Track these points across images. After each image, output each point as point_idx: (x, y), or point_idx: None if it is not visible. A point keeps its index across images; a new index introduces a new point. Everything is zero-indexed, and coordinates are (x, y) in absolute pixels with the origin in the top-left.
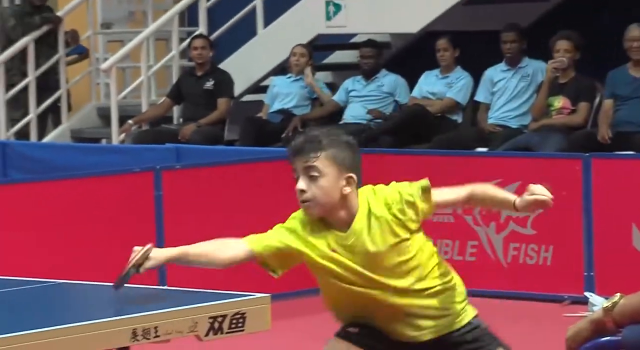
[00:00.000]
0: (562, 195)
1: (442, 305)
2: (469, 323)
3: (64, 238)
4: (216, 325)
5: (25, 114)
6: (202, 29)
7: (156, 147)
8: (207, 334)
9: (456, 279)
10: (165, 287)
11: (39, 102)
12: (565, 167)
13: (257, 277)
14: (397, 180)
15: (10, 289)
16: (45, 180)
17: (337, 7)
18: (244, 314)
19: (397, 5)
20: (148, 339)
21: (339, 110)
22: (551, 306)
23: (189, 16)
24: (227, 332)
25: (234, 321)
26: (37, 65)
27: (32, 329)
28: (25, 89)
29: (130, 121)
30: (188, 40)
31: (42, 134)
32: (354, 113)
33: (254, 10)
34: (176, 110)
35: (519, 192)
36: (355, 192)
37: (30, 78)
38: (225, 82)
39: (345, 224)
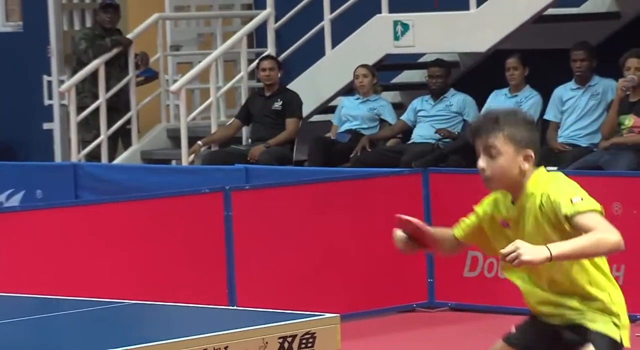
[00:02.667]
0: (633, 214)
1: (579, 301)
2: (592, 331)
3: (135, 258)
4: (286, 345)
5: (97, 135)
6: (270, 50)
7: (225, 168)
8: None
9: (609, 297)
10: (235, 307)
11: (110, 123)
12: (636, 186)
13: (326, 296)
14: (465, 199)
15: (84, 310)
16: (115, 202)
17: (405, 27)
18: (313, 333)
19: (465, 24)
20: None
21: (408, 130)
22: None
23: (257, 37)
24: None
25: (304, 341)
26: (108, 88)
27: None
28: (96, 111)
29: (199, 142)
30: (256, 61)
31: (112, 155)
32: (423, 133)
33: (322, 30)
34: (245, 131)
35: None
36: (532, 168)
37: (101, 100)
38: (293, 102)
39: (518, 198)
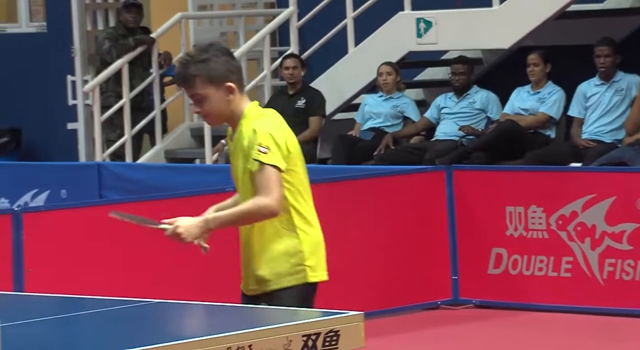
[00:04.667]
0: None
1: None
2: (279, 290)
3: (160, 258)
4: (310, 343)
5: (121, 135)
6: (293, 48)
7: None
8: None
9: (298, 238)
10: (259, 306)
11: (134, 123)
12: None
13: (350, 294)
14: (489, 195)
15: (107, 309)
16: (140, 201)
17: (428, 24)
18: (337, 331)
19: (488, 21)
20: None
21: (431, 128)
22: None
23: (280, 36)
24: None
25: (328, 339)
26: (132, 87)
27: (127, 349)
28: (120, 111)
29: (223, 141)
30: (279, 59)
31: (136, 154)
32: (446, 130)
33: (344, 28)
34: None
35: (615, 206)
36: (242, 96)
37: (125, 100)
38: (317, 100)
39: (235, 131)
